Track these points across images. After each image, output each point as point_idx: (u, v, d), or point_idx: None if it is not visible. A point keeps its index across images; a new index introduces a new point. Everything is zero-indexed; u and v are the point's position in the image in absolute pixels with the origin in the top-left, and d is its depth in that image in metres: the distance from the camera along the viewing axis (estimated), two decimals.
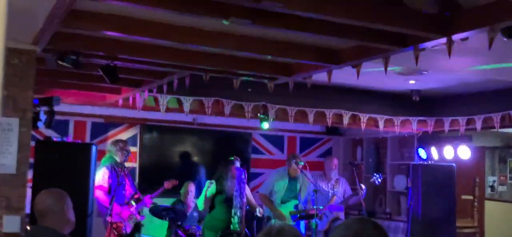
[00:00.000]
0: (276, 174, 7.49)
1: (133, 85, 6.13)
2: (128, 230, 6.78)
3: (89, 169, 5.56)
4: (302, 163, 7.22)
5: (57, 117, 5.75)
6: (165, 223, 7.62)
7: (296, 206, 7.37)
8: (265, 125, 7.66)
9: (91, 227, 5.64)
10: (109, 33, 4.06)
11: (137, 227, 6.97)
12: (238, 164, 6.70)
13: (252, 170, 9.05)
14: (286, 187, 7.32)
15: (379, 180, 7.77)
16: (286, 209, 7.24)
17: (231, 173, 6.65)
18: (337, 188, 7.81)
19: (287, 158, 7.68)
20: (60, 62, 4.52)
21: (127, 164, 7.20)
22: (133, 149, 8.30)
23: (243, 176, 6.52)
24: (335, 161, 8.16)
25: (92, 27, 3.94)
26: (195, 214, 8.02)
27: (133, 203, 6.94)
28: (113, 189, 6.56)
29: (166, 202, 7.60)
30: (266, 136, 9.91)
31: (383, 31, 3.68)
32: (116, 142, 7.16)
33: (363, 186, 7.50)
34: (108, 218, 6.22)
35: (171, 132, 9.24)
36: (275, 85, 5.69)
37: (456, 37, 3.47)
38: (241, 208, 6.39)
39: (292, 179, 7.36)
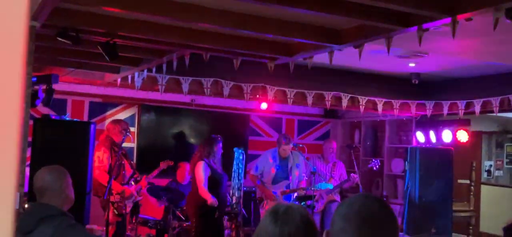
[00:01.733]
0: (269, 155, 7.53)
1: (133, 64, 6.08)
2: (128, 210, 6.78)
3: (87, 147, 5.54)
4: (291, 142, 7.30)
5: (55, 96, 5.71)
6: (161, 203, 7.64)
7: (287, 186, 7.43)
8: (264, 106, 7.65)
9: (89, 206, 5.63)
10: (109, 9, 4.01)
11: (136, 206, 6.99)
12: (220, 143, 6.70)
13: (250, 152, 9.04)
14: (278, 167, 7.38)
15: (377, 165, 7.83)
16: (278, 189, 7.31)
17: (216, 152, 6.67)
18: (334, 171, 7.88)
19: (277, 139, 7.71)
20: (60, 39, 4.47)
21: (125, 145, 7.17)
22: (131, 129, 8.26)
23: (241, 157, 6.51)
24: (334, 145, 8.20)
25: (92, 2, 3.90)
26: None
27: (133, 183, 6.94)
28: (113, 169, 6.55)
29: (162, 182, 7.62)
30: (264, 118, 9.90)
31: (386, 9, 3.65)
32: (118, 122, 7.12)
33: (356, 176, 7.60)
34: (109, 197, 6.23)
35: (169, 112, 9.21)
36: (275, 67, 5.66)
37: (461, 17, 3.44)
38: (239, 189, 6.39)
39: (283, 160, 7.41)
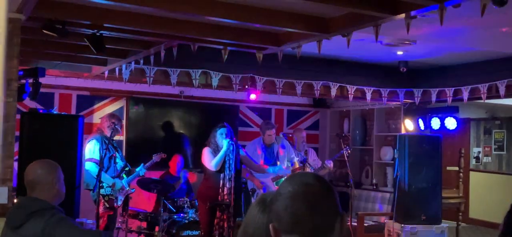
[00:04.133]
0: (251, 146, 7.53)
1: (120, 56, 6.04)
2: (120, 203, 6.75)
3: (76, 141, 5.49)
4: (274, 127, 7.39)
5: (42, 90, 5.66)
6: (153, 196, 7.63)
7: (277, 171, 7.43)
8: (253, 97, 7.64)
9: (79, 200, 5.60)
10: (95, 0, 3.97)
11: (127, 199, 6.96)
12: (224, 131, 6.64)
13: (240, 142, 9.01)
14: (264, 155, 7.39)
15: (348, 151, 7.90)
16: (267, 177, 7.32)
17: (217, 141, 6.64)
18: (308, 158, 7.93)
19: (260, 127, 7.72)
20: (46, 31, 4.42)
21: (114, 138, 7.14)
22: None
23: (232, 148, 6.49)
24: (304, 134, 8.27)
25: None
26: (184, 186, 8.02)
27: (124, 176, 6.91)
28: (103, 162, 6.53)
29: (155, 175, 7.60)
30: (253, 109, 9.90)
31: None
32: (111, 116, 7.07)
33: (330, 163, 7.78)
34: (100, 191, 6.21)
35: (158, 104, 9.18)
36: (264, 57, 5.64)
37: (448, 3, 3.45)
38: (230, 179, 6.38)
39: (268, 147, 7.43)
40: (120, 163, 6.88)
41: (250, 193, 7.41)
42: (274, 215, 1.66)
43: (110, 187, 6.62)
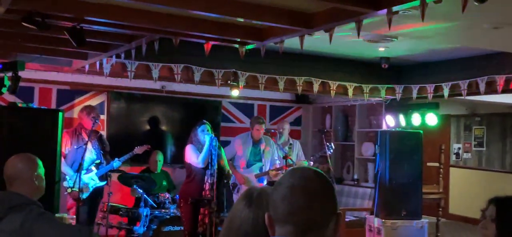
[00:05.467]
0: (240, 140, 7.55)
1: (101, 49, 5.97)
2: (85, 196, 6.67)
3: (56, 136, 5.42)
4: (264, 124, 7.43)
5: (22, 84, 5.57)
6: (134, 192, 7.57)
7: (260, 169, 7.46)
8: (235, 92, 7.62)
9: (59, 194, 5.54)
10: None
11: (97, 193, 6.91)
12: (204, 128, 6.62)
13: (222, 138, 9.01)
14: (251, 151, 7.41)
15: (332, 149, 7.95)
16: (251, 173, 7.34)
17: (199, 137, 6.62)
18: (291, 152, 7.95)
19: (250, 122, 7.73)
20: (25, 24, 4.36)
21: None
22: (100, 116, 8.14)
23: (214, 143, 6.47)
24: (288, 126, 8.28)
25: None
26: (164, 182, 7.99)
27: (93, 169, 6.84)
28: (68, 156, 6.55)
29: (134, 170, 7.55)
30: (236, 104, 9.89)
31: None
32: (85, 108, 7.04)
33: (311, 164, 7.89)
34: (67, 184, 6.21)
35: (140, 99, 9.11)
36: (246, 52, 5.63)
37: None
38: (212, 175, 6.36)
39: (256, 143, 7.44)
40: (91, 157, 6.80)
41: (231, 188, 7.40)
42: (271, 204, 1.66)
43: (72, 180, 6.55)
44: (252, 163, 7.47)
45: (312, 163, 7.96)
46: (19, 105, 5.63)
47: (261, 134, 7.50)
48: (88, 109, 6.96)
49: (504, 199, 2.67)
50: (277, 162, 7.66)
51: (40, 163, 3.11)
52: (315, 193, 1.61)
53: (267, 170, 7.50)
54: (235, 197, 7.24)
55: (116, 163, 7.01)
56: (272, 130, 8.15)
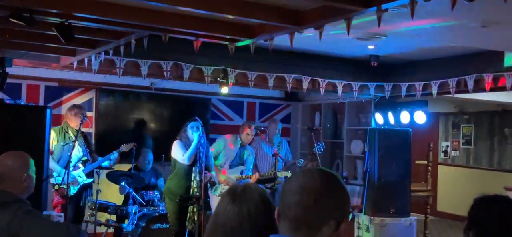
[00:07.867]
0: (228, 140, 7.48)
1: (89, 46, 5.93)
2: (72, 193, 6.62)
3: (43, 133, 5.40)
4: (254, 129, 7.41)
5: (9, 80, 5.55)
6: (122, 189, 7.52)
7: (241, 172, 7.42)
8: (225, 90, 7.60)
9: (46, 192, 5.51)
10: None
11: (84, 188, 6.87)
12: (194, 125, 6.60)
13: (212, 135, 8.99)
14: (237, 153, 7.38)
15: (322, 149, 7.96)
16: (232, 174, 7.30)
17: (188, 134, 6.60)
18: (280, 151, 7.94)
19: (242, 124, 7.68)
20: (13, 20, 4.31)
21: (83, 130, 7.02)
22: (89, 114, 8.09)
23: (202, 141, 6.46)
24: (279, 125, 8.25)
25: None
26: (153, 180, 7.95)
27: (80, 166, 6.80)
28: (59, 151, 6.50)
29: (123, 168, 7.50)
30: (225, 102, 9.87)
31: None
32: (72, 107, 6.98)
33: (300, 160, 7.94)
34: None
35: (128, 97, 9.07)
36: (236, 49, 5.61)
37: None
38: (200, 173, 6.35)
39: (242, 147, 7.41)
40: (78, 154, 6.76)
41: (209, 186, 7.31)
42: (280, 197, 1.71)
43: (60, 176, 6.51)
44: (235, 164, 7.43)
45: (303, 160, 7.96)
46: (7, 102, 5.60)
47: (250, 139, 7.45)
48: (76, 109, 6.89)
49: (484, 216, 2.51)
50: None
51: (32, 162, 3.08)
52: (314, 193, 1.63)
53: (248, 173, 7.44)
54: (211, 195, 7.19)
55: (103, 161, 6.95)
56: (262, 128, 8.15)
